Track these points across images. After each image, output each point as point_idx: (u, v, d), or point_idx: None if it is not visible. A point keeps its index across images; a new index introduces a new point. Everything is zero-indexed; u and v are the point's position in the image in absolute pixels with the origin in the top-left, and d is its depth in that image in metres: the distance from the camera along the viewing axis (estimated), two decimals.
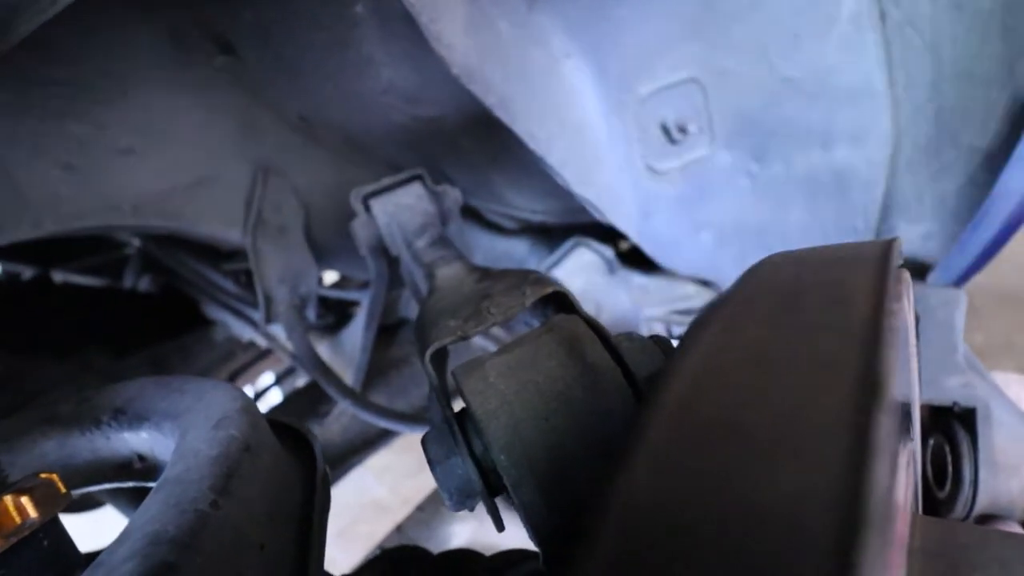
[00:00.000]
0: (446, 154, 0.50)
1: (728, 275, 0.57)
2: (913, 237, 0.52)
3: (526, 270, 0.30)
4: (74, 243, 0.76)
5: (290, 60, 0.42)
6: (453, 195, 0.42)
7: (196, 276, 0.69)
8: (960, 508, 0.32)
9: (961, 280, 0.49)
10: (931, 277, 0.49)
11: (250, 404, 0.24)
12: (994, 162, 0.44)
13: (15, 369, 0.65)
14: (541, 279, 0.27)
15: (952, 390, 0.33)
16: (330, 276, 0.91)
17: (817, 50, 0.46)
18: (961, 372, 0.33)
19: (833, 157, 0.50)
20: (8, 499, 0.16)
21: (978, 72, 0.43)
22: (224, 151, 0.50)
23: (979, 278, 0.48)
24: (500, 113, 0.37)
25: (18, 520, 0.16)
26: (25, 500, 0.16)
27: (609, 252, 0.56)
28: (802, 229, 0.55)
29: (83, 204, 0.44)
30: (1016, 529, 0.31)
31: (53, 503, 0.17)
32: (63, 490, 0.18)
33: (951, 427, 0.34)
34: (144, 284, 0.78)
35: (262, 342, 0.65)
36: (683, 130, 0.52)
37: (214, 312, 0.73)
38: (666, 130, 0.51)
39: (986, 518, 0.32)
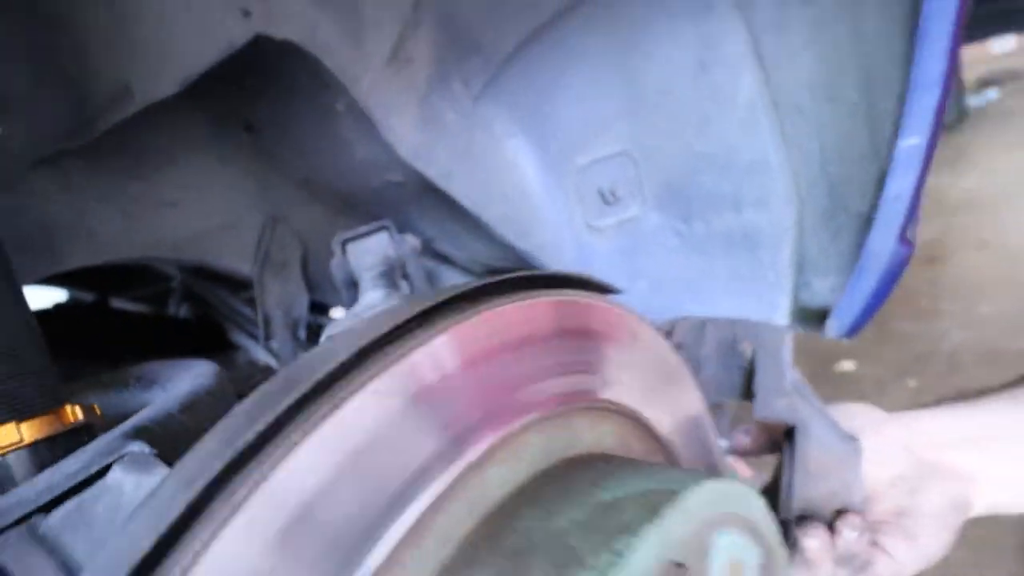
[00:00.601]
0: (413, 208, 0.61)
1: (660, 318, 0.64)
2: (823, 290, 0.59)
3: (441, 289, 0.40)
4: (129, 275, 0.91)
5: (294, 138, 0.55)
6: (411, 242, 0.52)
7: (222, 304, 0.82)
8: (782, 510, 0.38)
9: (853, 329, 0.55)
10: (828, 326, 0.56)
11: (219, 371, 0.35)
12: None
13: (76, 373, 0.80)
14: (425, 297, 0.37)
15: (780, 410, 0.39)
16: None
17: (723, 130, 0.55)
18: (787, 395, 0.39)
19: (744, 219, 0.58)
20: (68, 407, 0.27)
21: (853, 151, 0.51)
22: (243, 203, 0.63)
23: None
24: (440, 183, 0.47)
25: (72, 419, 0.27)
26: (78, 409, 0.28)
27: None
28: (724, 280, 0.62)
29: (135, 240, 0.58)
30: (821, 529, 0.37)
31: (93, 417, 0.28)
32: (99, 413, 0.29)
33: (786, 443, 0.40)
34: (184, 311, 0.93)
35: (266, 357, 0.77)
36: (616, 195, 0.61)
37: (237, 337, 0.86)
38: (602, 194, 0.61)
39: (802, 518, 0.38)
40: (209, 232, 0.61)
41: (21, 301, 0.29)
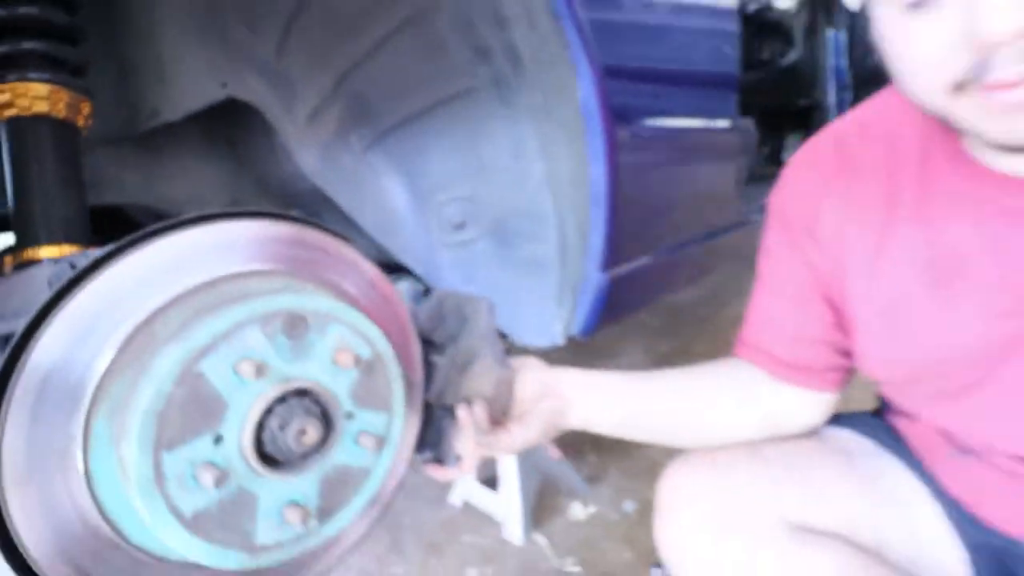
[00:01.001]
0: (325, 209, 0.92)
1: None
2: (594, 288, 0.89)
3: None
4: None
5: (255, 151, 0.87)
6: None
7: None
8: (450, 396, 0.65)
9: (585, 332, 0.84)
10: (568, 329, 0.85)
11: None
12: None
13: None
14: None
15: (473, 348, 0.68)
16: None
17: (525, 192, 0.86)
18: (480, 338, 0.68)
19: (534, 250, 0.88)
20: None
21: (578, 211, 0.82)
22: (215, 186, 0.93)
23: None
24: (331, 195, 0.78)
25: None
26: None
27: (420, 285, 0.95)
28: (528, 291, 0.92)
29: (144, 192, 0.89)
30: (468, 409, 0.63)
31: None
32: None
33: None
34: None
35: None
36: (462, 224, 0.92)
37: None
38: (451, 222, 0.92)
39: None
40: (189, 199, 0.91)
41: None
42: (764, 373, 0.69)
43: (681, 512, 0.64)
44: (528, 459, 1.16)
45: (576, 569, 1.01)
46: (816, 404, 0.70)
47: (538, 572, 1.02)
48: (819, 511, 0.60)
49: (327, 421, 0.48)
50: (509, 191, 0.87)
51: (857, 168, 0.60)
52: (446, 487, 1.31)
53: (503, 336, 0.98)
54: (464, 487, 1.26)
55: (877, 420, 0.70)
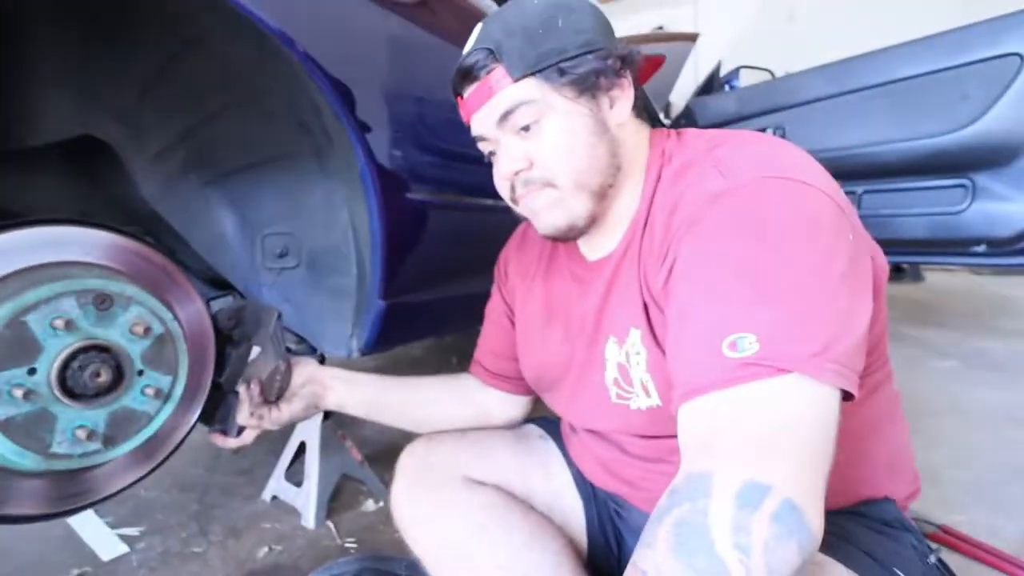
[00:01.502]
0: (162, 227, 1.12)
1: (301, 331, 1.17)
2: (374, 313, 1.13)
3: None
4: None
5: None
6: None
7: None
8: (240, 379, 0.87)
9: (366, 349, 1.09)
10: (352, 346, 1.10)
11: None
12: None
13: None
14: None
15: (263, 341, 0.90)
16: None
17: (335, 234, 1.11)
18: (268, 339, 0.91)
19: (339, 280, 1.13)
20: None
21: (364, 252, 1.09)
22: None
23: None
24: (167, 219, 0.99)
25: None
26: None
27: (241, 300, 1.15)
28: (332, 312, 1.16)
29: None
30: (247, 386, 0.86)
31: None
32: None
33: None
34: None
35: None
36: (285, 253, 1.15)
37: None
38: (275, 251, 1.15)
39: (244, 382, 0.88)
40: (46, 209, 1.06)
41: None
42: (478, 380, 0.99)
43: (396, 477, 0.89)
44: (331, 459, 1.37)
45: (353, 546, 1.21)
46: (513, 404, 0.99)
47: (321, 548, 1.22)
48: (487, 469, 0.88)
49: (120, 372, 0.69)
50: (322, 232, 1.11)
51: (528, 243, 0.92)
52: (259, 486, 1.47)
53: (309, 344, 1.20)
54: (273, 484, 1.43)
55: (554, 421, 1.01)
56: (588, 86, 0.65)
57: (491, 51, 0.65)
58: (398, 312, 1.09)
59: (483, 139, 0.70)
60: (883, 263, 0.65)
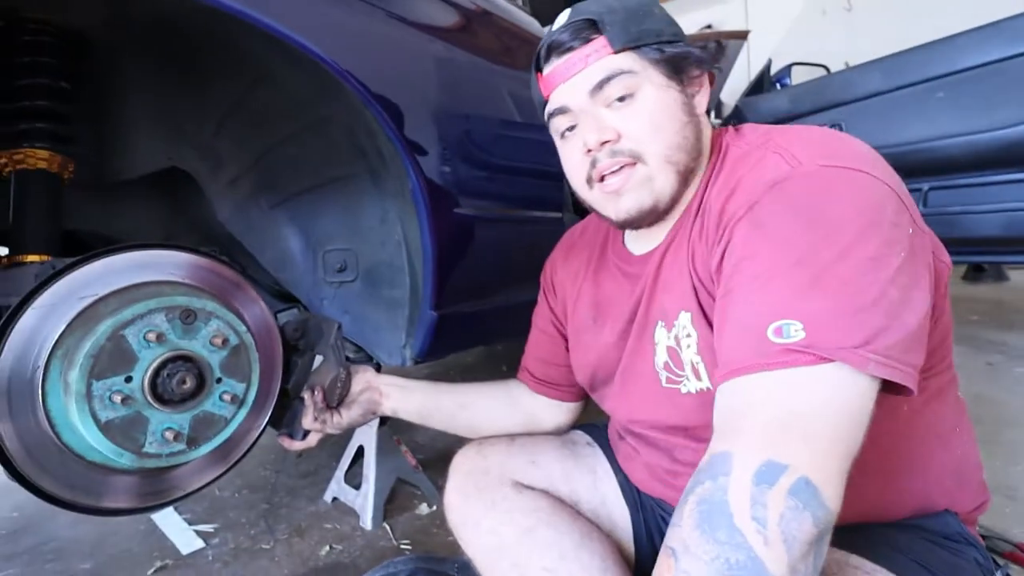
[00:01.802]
0: (236, 246, 1.21)
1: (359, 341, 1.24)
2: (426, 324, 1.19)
3: None
4: None
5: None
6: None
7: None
8: (304, 387, 0.94)
9: (419, 357, 1.14)
10: (406, 355, 1.15)
11: None
12: None
13: None
14: None
15: (325, 351, 0.96)
16: None
17: (390, 248, 1.17)
18: (329, 346, 0.97)
19: (393, 292, 1.19)
20: None
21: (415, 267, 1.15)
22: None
23: None
24: (239, 239, 1.08)
25: None
26: None
27: (305, 312, 1.23)
28: (387, 323, 1.22)
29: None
30: (312, 392, 0.92)
31: None
32: None
33: None
34: None
35: None
36: (344, 267, 1.23)
37: None
38: (335, 265, 1.22)
39: (310, 388, 0.94)
40: (134, 232, 1.18)
41: None
42: (527, 387, 1.02)
43: (449, 480, 0.93)
44: (387, 464, 1.43)
45: (408, 547, 1.27)
46: (562, 410, 1.02)
47: (378, 549, 1.28)
48: (535, 474, 0.90)
49: (202, 379, 0.76)
50: (377, 247, 1.18)
51: (574, 250, 0.95)
52: (322, 488, 1.55)
53: (367, 353, 1.27)
54: (334, 487, 1.50)
55: (601, 428, 1.03)
56: (680, 70, 0.67)
57: (593, 22, 0.66)
58: (448, 322, 1.14)
59: (564, 111, 0.70)
60: (946, 260, 0.64)
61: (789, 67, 3.53)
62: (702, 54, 0.68)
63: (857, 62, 2.59)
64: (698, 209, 0.67)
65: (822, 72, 3.56)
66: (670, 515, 0.83)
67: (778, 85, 3.40)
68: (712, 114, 3.36)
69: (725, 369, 0.53)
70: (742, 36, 3.67)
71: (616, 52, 0.65)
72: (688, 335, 0.67)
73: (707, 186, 0.68)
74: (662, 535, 0.87)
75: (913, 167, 2.24)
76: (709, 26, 5.65)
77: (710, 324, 0.63)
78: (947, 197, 2.23)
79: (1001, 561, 0.69)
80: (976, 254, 2.26)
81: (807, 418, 0.47)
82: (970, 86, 2.07)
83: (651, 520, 0.89)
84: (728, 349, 0.54)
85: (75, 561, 1.26)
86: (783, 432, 0.46)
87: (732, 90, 3.66)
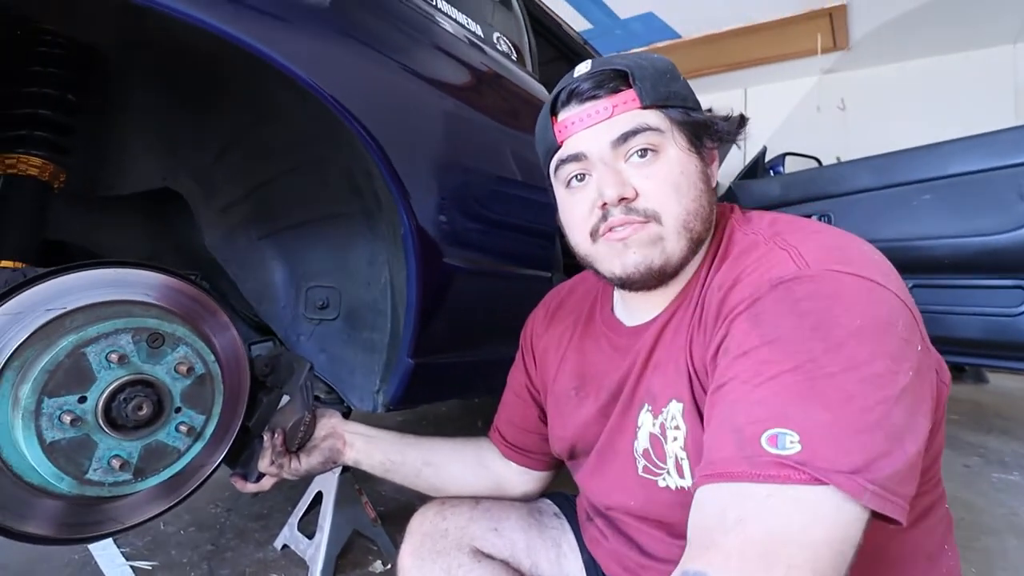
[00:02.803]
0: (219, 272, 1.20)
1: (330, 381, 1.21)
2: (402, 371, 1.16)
3: None
4: None
5: None
6: None
7: None
8: (267, 425, 0.90)
9: (392, 404, 1.11)
10: (379, 400, 1.12)
11: None
12: None
13: None
14: None
15: (292, 392, 0.93)
16: None
17: (373, 290, 1.16)
18: (296, 389, 0.94)
19: (372, 336, 1.17)
20: None
21: (397, 312, 1.13)
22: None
23: None
24: (223, 265, 1.07)
25: None
26: None
27: (280, 347, 1.21)
28: (363, 366, 1.19)
29: None
30: (272, 434, 0.88)
31: None
32: None
33: None
34: None
35: None
36: (326, 305, 1.21)
37: None
38: (316, 302, 1.21)
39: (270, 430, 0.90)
40: (118, 248, 1.16)
41: None
42: (497, 451, 0.99)
43: (405, 541, 0.88)
44: (345, 514, 1.37)
45: None
46: (532, 478, 0.99)
47: None
48: (496, 542, 0.86)
49: (160, 407, 0.73)
50: (362, 289, 1.17)
51: (560, 313, 0.94)
52: (273, 532, 1.47)
53: (338, 395, 1.23)
54: (287, 533, 1.43)
55: (571, 499, 0.99)
56: (698, 139, 0.67)
57: (624, 74, 0.65)
58: (425, 371, 1.11)
59: (578, 159, 0.67)
60: (947, 379, 0.61)
61: (783, 156, 3.67)
62: (725, 125, 0.69)
63: (848, 158, 2.70)
64: (700, 293, 0.66)
65: (814, 164, 3.70)
66: None
67: (771, 172, 3.52)
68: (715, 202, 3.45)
69: (710, 470, 0.49)
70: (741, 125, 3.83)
71: (644, 107, 0.64)
72: (676, 427, 0.64)
73: (709, 268, 0.66)
74: None
75: (898, 263, 2.29)
76: (710, 110, 5.90)
77: (702, 421, 0.60)
78: (930, 295, 2.27)
79: None
80: (956, 355, 2.28)
81: (791, 546, 0.43)
82: (957, 191, 2.15)
83: None
84: (715, 448, 0.51)
85: None
86: (762, 559, 0.43)
87: (726, 172, 3.78)
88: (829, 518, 0.44)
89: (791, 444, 0.45)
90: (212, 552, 1.38)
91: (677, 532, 0.68)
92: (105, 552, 1.32)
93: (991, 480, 2.26)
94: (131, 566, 1.28)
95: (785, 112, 6.06)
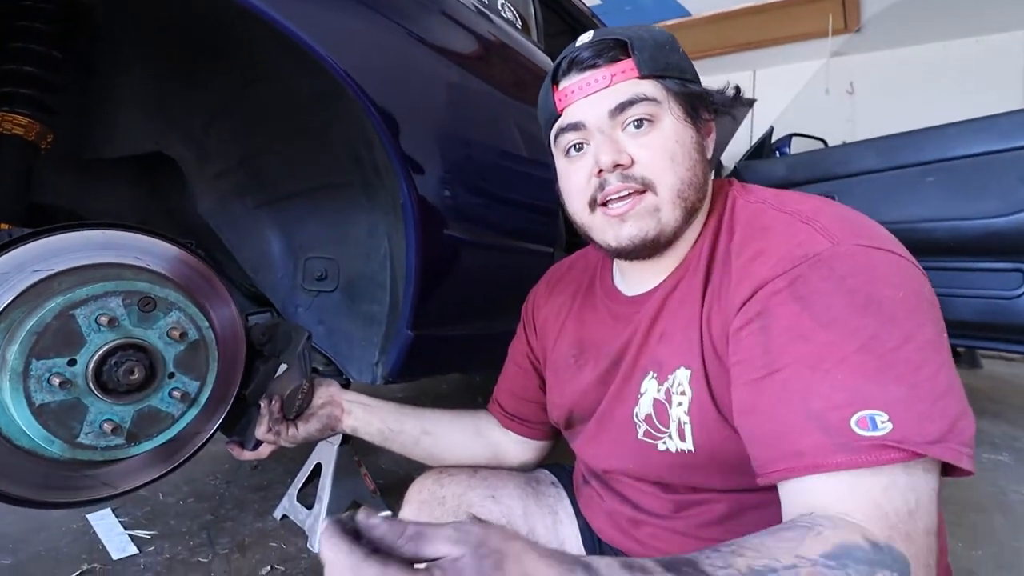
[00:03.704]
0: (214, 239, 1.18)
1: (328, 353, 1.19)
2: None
3: None
4: None
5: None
6: None
7: None
8: (264, 392, 0.89)
9: (391, 376, 1.10)
10: (378, 372, 1.11)
11: None
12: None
13: None
14: None
15: (289, 359, 0.92)
16: None
17: (373, 263, 1.15)
18: (294, 356, 0.93)
19: (372, 307, 1.16)
20: None
21: (397, 283, 1.12)
22: None
23: None
24: (218, 233, 1.04)
25: None
26: None
27: (277, 318, 1.19)
28: (362, 339, 1.18)
29: None
30: (269, 400, 0.87)
31: None
32: None
33: None
34: None
35: None
36: (324, 276, 1.20)
37: None
38: (316, 274, 1.19)
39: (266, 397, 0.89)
40: (109, 212, 1.14)
41: None
42: (496, 421, 0.98)
43: (403, 508, 0.88)
44: (343, 485, 1.37)
45: None
46: (530, 448, 0.98)
47: (321, 573, 1.20)
48: (493, 509, 0.86)
49: (152, 372, 0.72)
50: (361, 260, 1.15)
51: (560, 285, 0.93)
52: (273, 503, 1.48)
53: (337, 367, 1.22)
54: (285, 503, 1.43)
55: (568, 470, 0.98)
56: (694, 110, 0.66)
57: (623, 43, 0.65)
58: (424, 344, 1.10)
59: (577, 128, 0.67)
60: None
61: (789, 137, 3.63)
62: (721, 97, 0.68)
63: (855, 139, 2.66)
64: (707, 261, 0.65)
65: (820, 145, 3.66)
66: None
67: (777, 153, 3.48)
68: (712, 174, 3.43)
69: (796, 462, 0.49)
70: (747, 104, 3.78)
71: (642, 77, 0.64)
72: (682, 392, 0.64)
73: (715, 237, 0.66)
74: None
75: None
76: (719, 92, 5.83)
77: (710, 387, 0.61)
78: (930, 277, 2.26)
79: None
80: (954, 336, 2.28)
81: (914, 519, 0.45)
82: (959, 174, 2.13)
83: None
84: (793, 438, 0.50)
85: None
86: (907, 540, 0.44)
87: (732, 154, 3.74)
88: (928, 485, 0.46)
89: (883, 424, 0.46)
90: (211, 522, 1.39)
91: (672, 489, 0.70)
92: (103, 521, 1.32)
93: (981, 460, 2.28)
94: (130, 535, 1.29)
95: (793, 94, 5.98)
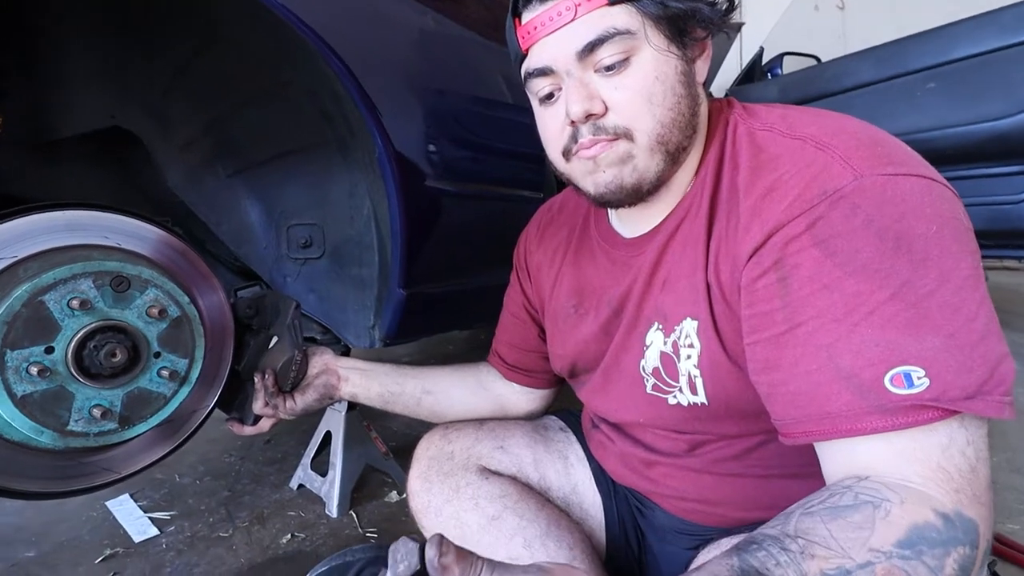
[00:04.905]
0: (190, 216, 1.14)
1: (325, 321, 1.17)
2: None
3: None
4: None
5: None
6: None
7: None
8: (256, 367, 0.87)
9: (387, 338, 1.08)
10: (375, 335, 1.09)
11: None
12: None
13: None
14: None
15: (280, 330, 0.90)
16: None
17: (358, 224, 1.11)
18: (283, 326, 0.90)
19: (361, 271, 1.13)
20: None
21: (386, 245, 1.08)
22: None
23: None
24: (193, 209, 1.01)
25: None
26: None
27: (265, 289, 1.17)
28: (354, 303, 1.16)
29: None
30: (263, 376, 0.86)
31: None
32: None
33: None
34: None
35: None
36: (309, 243, 1.16)
37: None
38: (300, 241, 1.16)
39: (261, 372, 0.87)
40: (77, 197, 1.11)
41: None
42: (497, 373, 0.96)
43: (412, 466, 0.87)
44: (355, 450, 1.37)
45: (374, 536, 1.21)
46: (534, 397, 0.97)
47: (342, 537, 1.22)
48: (503, 459, 0.85)
49: (136, 353, 0.70)
50: (345, 223, 1.12)
51: (552, 227, 0.89)
52: (288, 475, 1.49)
53: (334, 335, 1.21)
54: (300, 473, 1.44)
55: (576, 414, 0.97)
56: (681, 31, 0.58)
57: None
58: (418, 301, 1.08)
59: (546, 73, 0.60)
60: None
61: (781, 57, 3.48)
62: (711, 12, 0.58)
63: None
64: (709, 200, 0.59)
65: (814, 63, 3.52)
66: (643, 504, 0.79)
67: (769, 75, 3.36)
68: (705, 100, 3.31)
69: (828, 425, 0.46)
70: (735, 28, 3.62)
71: (612, 3, 0.56)
72: (691, 345, 0.60)
73: (718, 173, 0.60)
74: (635, 524, 0.83)
75: None
76: None
77: (720, 338, 0.58)
78: None
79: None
80: None
81: (972, 475, 0.43)
82: (961, 77, 2.04)
83: (623, 509, 0.84)
84: (820, 399, 0.47)
85: (19, 549, 1.19)
86: (973, 496, 0.42)
87: (720, 85, 3.61)
88: (983, 431, 0.44)
89: (919, 381, 0.43)
90: (229, 498, 1.40)
91: (685, 432, 0.68)
92: (122, 507, 1.34)
93: None
94: (149, 517, 1.30)
95: (780, 11, 5.74)
